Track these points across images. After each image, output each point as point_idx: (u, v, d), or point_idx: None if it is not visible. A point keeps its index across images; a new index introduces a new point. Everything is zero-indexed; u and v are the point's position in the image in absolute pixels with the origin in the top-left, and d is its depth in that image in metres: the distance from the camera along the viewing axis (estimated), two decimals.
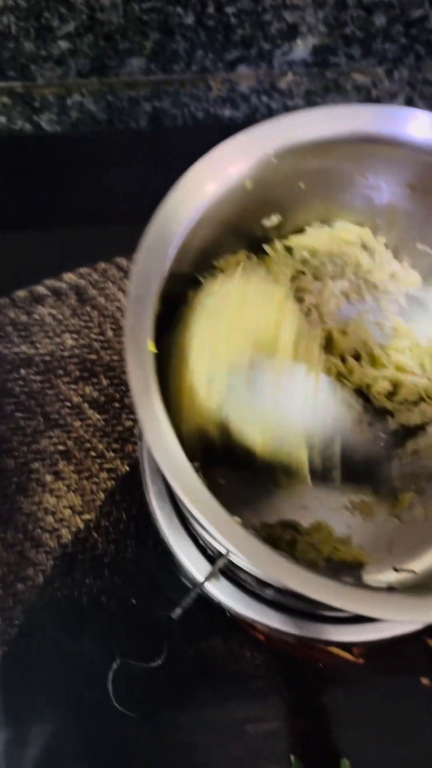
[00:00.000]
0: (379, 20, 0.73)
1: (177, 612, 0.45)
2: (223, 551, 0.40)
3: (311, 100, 0.77)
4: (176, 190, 0.39)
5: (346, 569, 0.46)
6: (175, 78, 0.76)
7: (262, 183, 0.42)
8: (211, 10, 0.69)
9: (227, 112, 0.76)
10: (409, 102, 0.78)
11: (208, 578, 0.45)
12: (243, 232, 0.47)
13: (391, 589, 0.36)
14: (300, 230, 0.49)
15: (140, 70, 0.75)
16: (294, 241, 0.49)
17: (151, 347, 0.36)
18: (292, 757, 0.48)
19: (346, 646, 0.50)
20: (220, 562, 0.44)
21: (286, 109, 0.76)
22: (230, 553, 0.38)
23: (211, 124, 0.75)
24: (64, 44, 0.71)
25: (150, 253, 0.37)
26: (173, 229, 0.38)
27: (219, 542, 0.33)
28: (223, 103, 0.76)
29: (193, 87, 0.76)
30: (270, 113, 0.76)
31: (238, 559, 0.38)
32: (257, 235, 0.48)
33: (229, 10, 0.70)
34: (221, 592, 0.50)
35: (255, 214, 0.46)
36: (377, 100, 0.77)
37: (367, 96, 0.77)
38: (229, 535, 0.32)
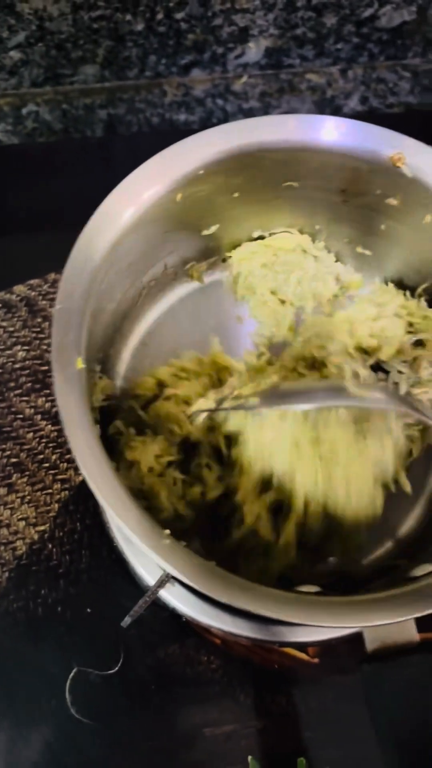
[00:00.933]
0: (330, 21, 0.74)
1: (127, 620, 0.45)
2: None
3: (266, 101, 0.77)
4: (105, 204, 0.40)
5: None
6: (130, 84, 0.77)
7: (193, 195, 0.42)
8: (160, 16, 0.69)
9: (182, 117, 0.76)
10: (364, 101, 0.78)
11: (157, 587, 0.46)
12: (183, 243, 0.47)
13: (319, 593, 0.37)
14: (238, 244, 0.50)
15: (94, 78, 0.75)
16: (234, 254, 0.50)
17: (79, 364, 0.36)
18: (250, 759, 0.48)
19: (302, 647, 0.51)
20: None
21: (242, 111, 0.77)
22: None
23: (167, 129, 0.75)
24: (15, 54, 0.71)
25: (76, 269, 0.37)
26: (100, 244, 0.38)
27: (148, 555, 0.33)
28: (179, 107, 0.76)
29: (147, 92, 0.76)
30: (225, 116, 0.77)
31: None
32: (197, 248, 0.49)
33: (179, 15, 0.70)
34: (176, 598, 0.50)
35: (192, 224, 0.46)
36: (332, 100, 0.77)
37: (322, 96, 0.78)
38: (154, 547, 0.33)
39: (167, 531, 0.34)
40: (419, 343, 0.46)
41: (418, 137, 0.76)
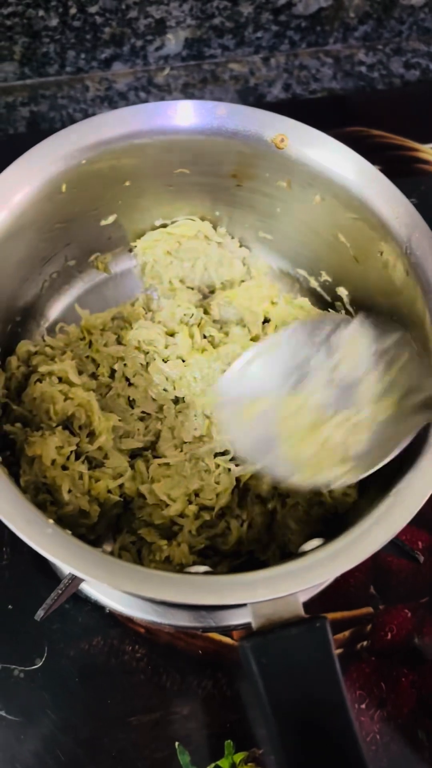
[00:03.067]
0: (246, 9, 0.74)
1: (40, 614, 0.45)
2: None
3: (189, 93, 0.77)
4: None
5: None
6: (51, 81, 0.76)
7: (79, 185, 0.42)
8: (74, 10, 0.69)
9: (106, 111, 0.76)
10: (288, 88, 0.78)
11: (69, 579, 0.46)
12: (81, 234, 0.47)
13: (208, 573, 0.37)
14: (142, 233, 0.50)
15: (14, 76, 0.75)
16: (138, 244, 0.50)
17: None
18: (177, 745, 0.49)
19: (226, 630, 0.51)
20: None
21: None
22: None
23: None
24: None
25: None
26: None
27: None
28: (101, 102, 0.76)
29: (70, 88, 0.76)
30: None
31: None
32: (98, 239, 0.49)
33: (92, 9, 0.70)
34: (97, 589, 0.50)
35: (87, 215, 0.46)
36: (255, 89, 0.78)
37: (245, 85, 0.78)
38: (31, 535, 0.33)
39: (51, 521, 0.34)
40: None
41: (341, 122, 0.77)
